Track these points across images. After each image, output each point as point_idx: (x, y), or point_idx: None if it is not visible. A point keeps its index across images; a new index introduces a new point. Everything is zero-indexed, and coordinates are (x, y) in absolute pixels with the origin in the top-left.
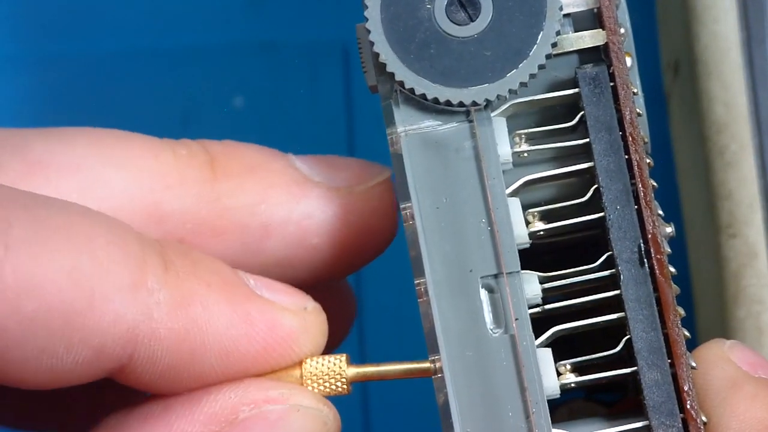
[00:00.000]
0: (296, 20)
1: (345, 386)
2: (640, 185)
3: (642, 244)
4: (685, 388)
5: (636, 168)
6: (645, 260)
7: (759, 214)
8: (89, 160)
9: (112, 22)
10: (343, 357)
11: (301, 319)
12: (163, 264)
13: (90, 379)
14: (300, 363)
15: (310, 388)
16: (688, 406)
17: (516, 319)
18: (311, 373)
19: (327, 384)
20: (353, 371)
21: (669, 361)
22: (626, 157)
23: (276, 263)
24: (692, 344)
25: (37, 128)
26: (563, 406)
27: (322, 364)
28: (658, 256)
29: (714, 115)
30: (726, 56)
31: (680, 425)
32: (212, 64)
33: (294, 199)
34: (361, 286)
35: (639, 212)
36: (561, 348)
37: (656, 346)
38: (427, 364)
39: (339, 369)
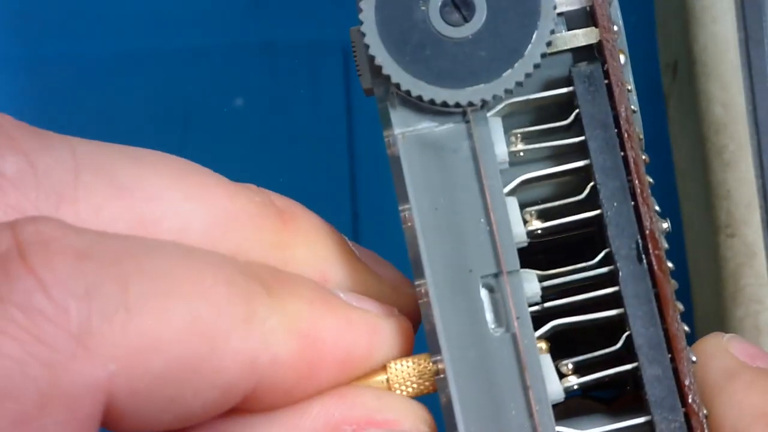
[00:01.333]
0: (296, 20)
1: (432, 385)
2: (636, 182)
3: (640, 241)
4: (686, 383)
5: (632, 164)
6: (643, 256)
7: (757, 214)
8: (171, 191)
9: (112, 22)
10: (427, 356)
11: (395, 321)
12: (265, 290)
13: (216, 414)
14: (385, 367)
15: (398, 390)
16: (690, 401)
17: (517, 318)
18: (397, 375)
19: (415, 385)
20: (435, 368)
21: (669, 356)
22: (622, 154)
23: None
24: (691, 343)
25: (113, 144)
26: (560, 404)
27: (408, 366)
28: (656, 252)
29: (712, 116)
30: (724, 57)
31: (682, 420)
32: (212, 64)
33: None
34: None
35: (636, 209)
36: (559, 348)
37: (656, 342)
38: None
39: (425, 368)
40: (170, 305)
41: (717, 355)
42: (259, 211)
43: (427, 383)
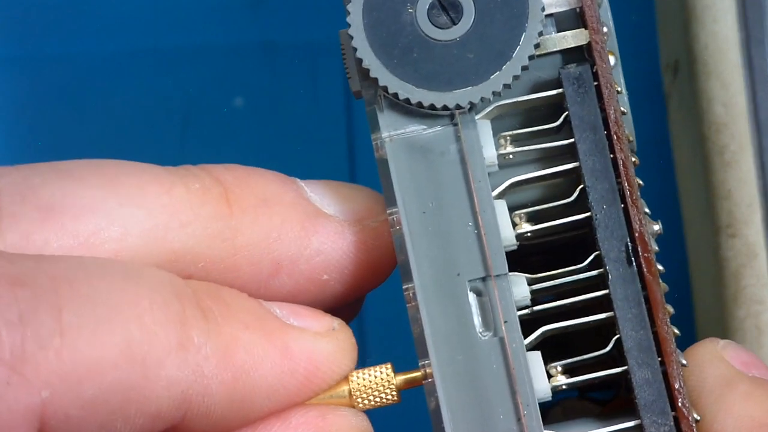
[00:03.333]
0: (296, 20)
1: (395, 396)
2: (626, 184)
3: (629, 243)
4: (676, 386)
5: (621, 167)
6: (632, 259)
7: (758, 214)
8: (102, 200)
9: (112, 22)
10: (389, 366)
11: (334, 339)
12: (202, 314)
13: None
14: (346, 379)
15: (360, 403)
16: (680, 404)
17: (505, 322)
18: (359, 388)
19: (377, 396)
20: (401, 379)
21: (659, 359)
22: (611, 156)
23: (283, 297)
24: (690, 344)
25: (41, 164)
26: (557, 406)
27: (369, 377)
28: (646, 255)
29: (713, 115)
30: (725, 56)
31: (672, 423)
32: (212, 64)
33: (307, 235)
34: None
35: (625, 211)
36: (552, 349)
37: (646, 345)
38: None
39: (387, 379)
40: (104, 330)
41: (712, 362)
42: (201, 200)
43: (390, 394)
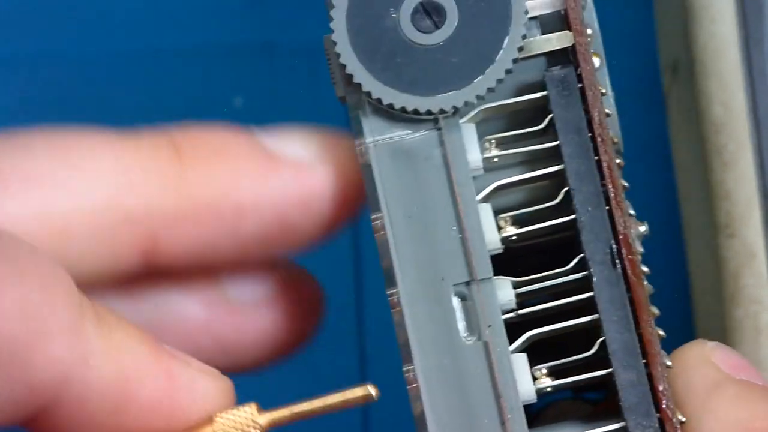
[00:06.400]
0: (296, 20)
1: None
2: (610, 186)
3: (613, 246)
4: (660, 388)
5: (606, 169)
6: (617, 261)
7: (757, 214)
8: (51, 167)
9: (112, 22)
10: (253, 406)
11: (217, 378)
12: (96, 315)
13: (7, 420)
14: (211, 419)
15: None
16: (664, 406)
17: (489, 326)
18: (223, 427)
19: None
20: (265, 419)
21: (644, 361)
22: (596, 158)
23: (256, 243)
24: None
25: None
26: (551, 407)
27: (234, 418)
28: (630, 257)
29: (712, 115)
30: (724, 56)
31: (657, 425)
32: (212, 64)
33: (265, 178)
34: (362, 304)
35: (610, 213)
36: (537, 352)
37: (631, 347)
38: (360, 391)
39: (251, 419)
40: (6, 285)
41: (700, 364)
42: (151, 158)
43: None
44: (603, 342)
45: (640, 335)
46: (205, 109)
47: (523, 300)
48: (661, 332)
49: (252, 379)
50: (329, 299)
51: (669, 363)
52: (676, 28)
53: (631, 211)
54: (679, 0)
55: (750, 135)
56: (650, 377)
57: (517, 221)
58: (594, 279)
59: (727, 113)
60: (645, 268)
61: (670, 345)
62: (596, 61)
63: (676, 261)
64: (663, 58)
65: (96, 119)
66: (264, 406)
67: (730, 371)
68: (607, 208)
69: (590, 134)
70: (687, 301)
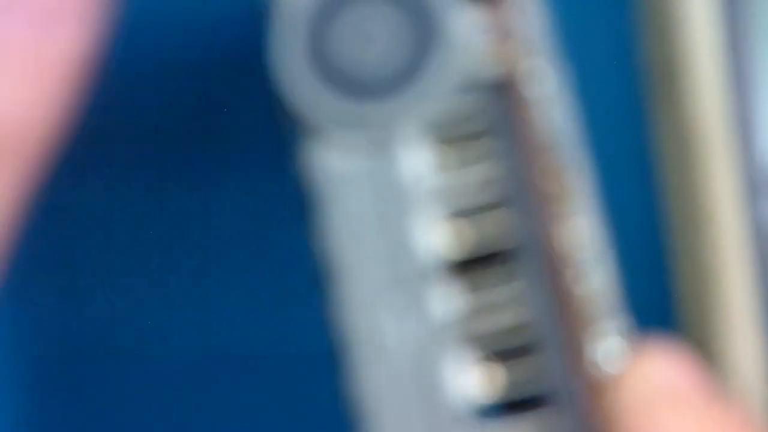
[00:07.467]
0: None
1: None
2: (547, 190)
3: (550, 251)
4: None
5: (542, 172)
6: (551, 264)
7: (739, 218)
8: None
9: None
10: None
11: None
12: None
13: None
14: None
15: None
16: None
17: (431, 336)
18: None
19: None
20: None
21: (574, 359)
22: (533, 162)
23: None
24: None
25: None
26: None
27: None
28: (564, 262)
29: (696, 117)
30: (708, 59)
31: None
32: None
33: None
34: None
35: (548, 219)
36: (475, 357)
37: (560, 347)
38: None
39: None
40: None
41: (648, 374)
42: None
43: None
44: (537, 344)
45: (572, 340)
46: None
47: (460, 310)
48: (600, 335)
49: None
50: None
51: (609, 368)
52: (659, 32)
53: (579, 216)
54: (662, 2)
55: (734, 136)
56: (579, 377)
57: (460, 227)
58: (530, 285)
59: (711, 115)
60: (583, 272)
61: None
62: (534, 62)
63: (658, 263)
64: (646, 63)
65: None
66: None
67: (675, 382)
68: (547, 213)
69: (527, 138)
70: (671, 307)
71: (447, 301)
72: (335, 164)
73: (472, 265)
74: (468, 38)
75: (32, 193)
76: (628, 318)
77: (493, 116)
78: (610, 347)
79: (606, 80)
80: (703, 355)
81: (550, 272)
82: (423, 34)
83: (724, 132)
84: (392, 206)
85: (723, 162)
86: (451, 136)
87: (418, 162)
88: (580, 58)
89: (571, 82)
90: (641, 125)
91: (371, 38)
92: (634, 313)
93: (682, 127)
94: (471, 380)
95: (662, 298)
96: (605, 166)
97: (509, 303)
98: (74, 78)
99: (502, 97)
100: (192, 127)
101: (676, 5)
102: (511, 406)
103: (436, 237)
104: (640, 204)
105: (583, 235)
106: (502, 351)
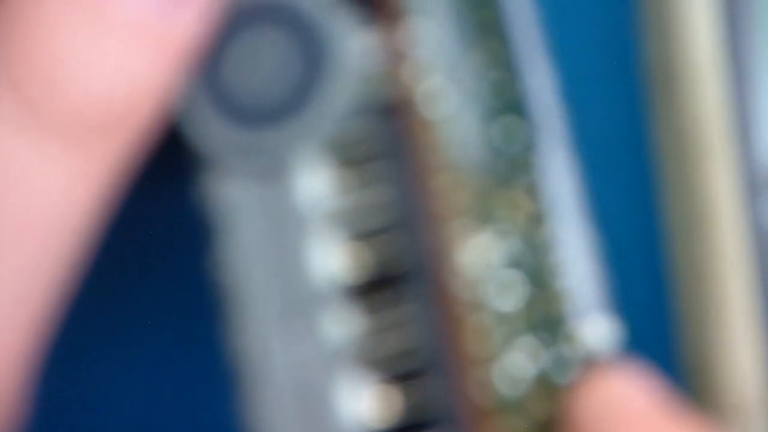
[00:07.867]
0: None
1: None
2: (435, 209)
3: (436, 270)
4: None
5: (432, 193)
6: (443, 289)
7: (737, 216)
8: None
9: None
10: None
11: None
12: None
13: None
14: None
15: None
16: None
17: (324, 360)
18: None
19: None
20: None
21: (462, 386)
22: (426, 184)
23: None
24: (680, 357)
25: None
26: None
27: None
28: (449, 282)
29: (697, 120)
30: (708, 59)
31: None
32: None
33: None
34: None
35: (441, 241)
36: (371, 380)
37: (451, 376)
38: None
39: None
40: None
41: (612, 394)
42: None
43: None
44: (425, 363)
45: (457, 357)
46: None
47: (357, 333)
48: (482, 345)
49: None
50: None
51: (493, 381)
52: (659, 33)
53: (469, 234)
54: (662, 4)
55: (735, 135)
56: (461, 395)
57: (357, 250)
58: (420, 307)
59: (712, 114)
60: (473, 293)
61: (647, 351)
62: (428, 79)
63: (658, 264)
64: (646, 64)
65: None
66: None
67: (635, 402)
68: (435, 232)
69: (416, 157)
70: (666, 307)
71: (342, 324)
72: (231, 192)
73: (369, 288)
74: (360, 61)
75: (128, 178)
76: (591, 330)
77: (388, 138)
78: (563, 359)
79: (606, 80)
80: (702, 356)
81: (441, 295)
82: (314, 59)
83: (724, 132)
84: (288, 232)
85: (723, 162)
86: (348, 159)
87: (314, 186)
88: (580, 59)
89: (571, 83)
90: (640, 125)
91: (263, 65)
92: (632, 314)
93: (682, 127)
94: (365, 404)
95: (661, 298)
96: (604, 166)
97: (402, 326)
98: (185, 61)
99: (397, 119)
100: None
101: (676, 5)
102: (405, 429)
103: (333, 260)
104: (640, 204)
105: (485, 254)
106: (397, 374)
